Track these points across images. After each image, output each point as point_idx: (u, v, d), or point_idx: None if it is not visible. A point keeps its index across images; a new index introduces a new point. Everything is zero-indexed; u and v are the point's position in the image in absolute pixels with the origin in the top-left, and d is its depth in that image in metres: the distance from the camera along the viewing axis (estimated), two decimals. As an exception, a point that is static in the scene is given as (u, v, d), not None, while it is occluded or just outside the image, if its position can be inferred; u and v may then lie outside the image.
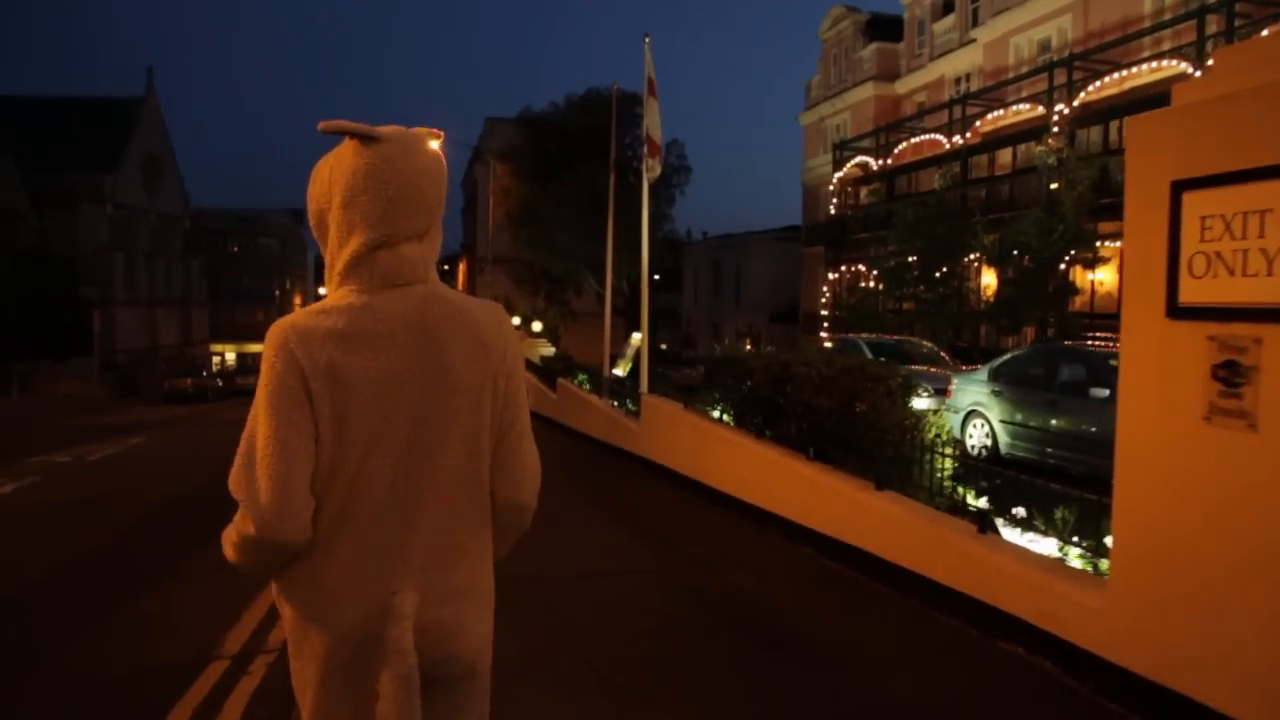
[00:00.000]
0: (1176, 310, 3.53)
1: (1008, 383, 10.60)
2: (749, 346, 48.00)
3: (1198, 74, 20.00)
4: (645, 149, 14.59)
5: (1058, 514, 5.00)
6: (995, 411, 10.55)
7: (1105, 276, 22.95)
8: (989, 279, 26.00)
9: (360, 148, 1.72)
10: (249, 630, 5.35)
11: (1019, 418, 10.20)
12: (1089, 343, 11.82)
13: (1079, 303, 22.20)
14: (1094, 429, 9.15)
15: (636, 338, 22.14)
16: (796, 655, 4.88)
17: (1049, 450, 9.76)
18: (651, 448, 11.40)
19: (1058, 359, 10.21)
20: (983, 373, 11.14)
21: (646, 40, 14.77)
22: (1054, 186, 21.23)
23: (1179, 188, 3.51)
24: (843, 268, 34.29)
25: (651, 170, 14.56)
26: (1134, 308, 3.76)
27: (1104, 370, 9.39)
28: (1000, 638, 4.72)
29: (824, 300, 35.36)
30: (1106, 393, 9.04)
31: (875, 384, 7.56)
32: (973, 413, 10.87)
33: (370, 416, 1.65)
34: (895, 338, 17.10)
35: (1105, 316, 22.70)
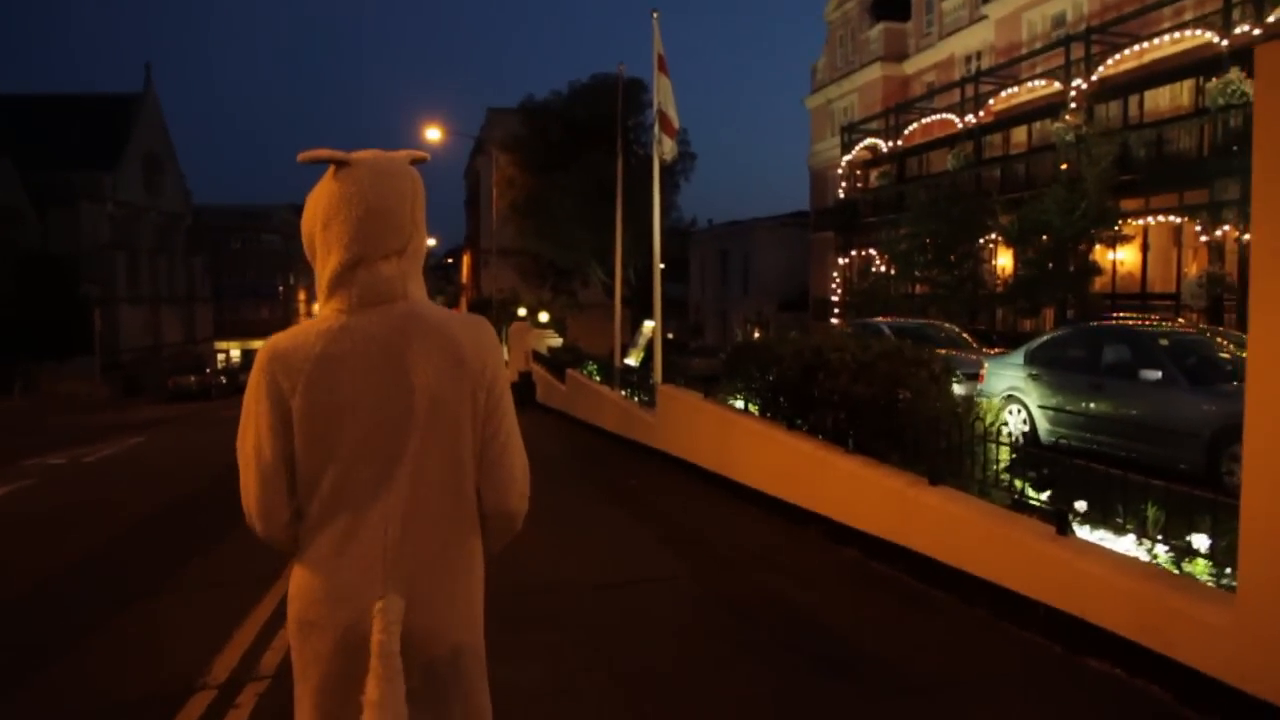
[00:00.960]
0: (1327, 274, 2.95)
1: (1046, 366, 10.01)
2: (758, 335, 47.52)
3: (1224, 43, 19.35)
4: (657, 126, 13.98)
5: (1149, 511, 4.42)
6: (1034, 396, 9.96)
7: (1126, 256, 22.33)
8: (1005, 260, 25.40)
9: (335, 173, 1.82)
10: (238, 654, 4.81)
11: (1060, 402, 9.60)
12: (1127, 322, 11.23)
13: (1099, 284, 21.58)
14: (1145, 413, 8.58)
15: (649, 326, 21.55)
16: (860, 678, 4.31)
17: (1092, 436, 9.18)
18: (670, 440, 10.84)
19: (1101, 340, 9.60)
20: (1018, 356, 10.55)
21: (655, 15, 14.17)
22: (1064, 166, 20.61)
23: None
24: (853, 252, 33.68)
25: (666, 150, 13.96)
26: (1270, 275, 3.19)
27: (1153, 351, 8.81)
28: (1091, 655, 4.15)
29: (834, 286, 34.76)
30: (1158, 374, 8.47)
31: (917, 369, 6.99)
32: (1009, 398, 10.28)
33: (349, 433, 1.75)
34: (918, 321, 16.49)
35: (1127, 297, 22.10)
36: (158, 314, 51.75)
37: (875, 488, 6.05)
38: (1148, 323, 10.62)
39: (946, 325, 16.09)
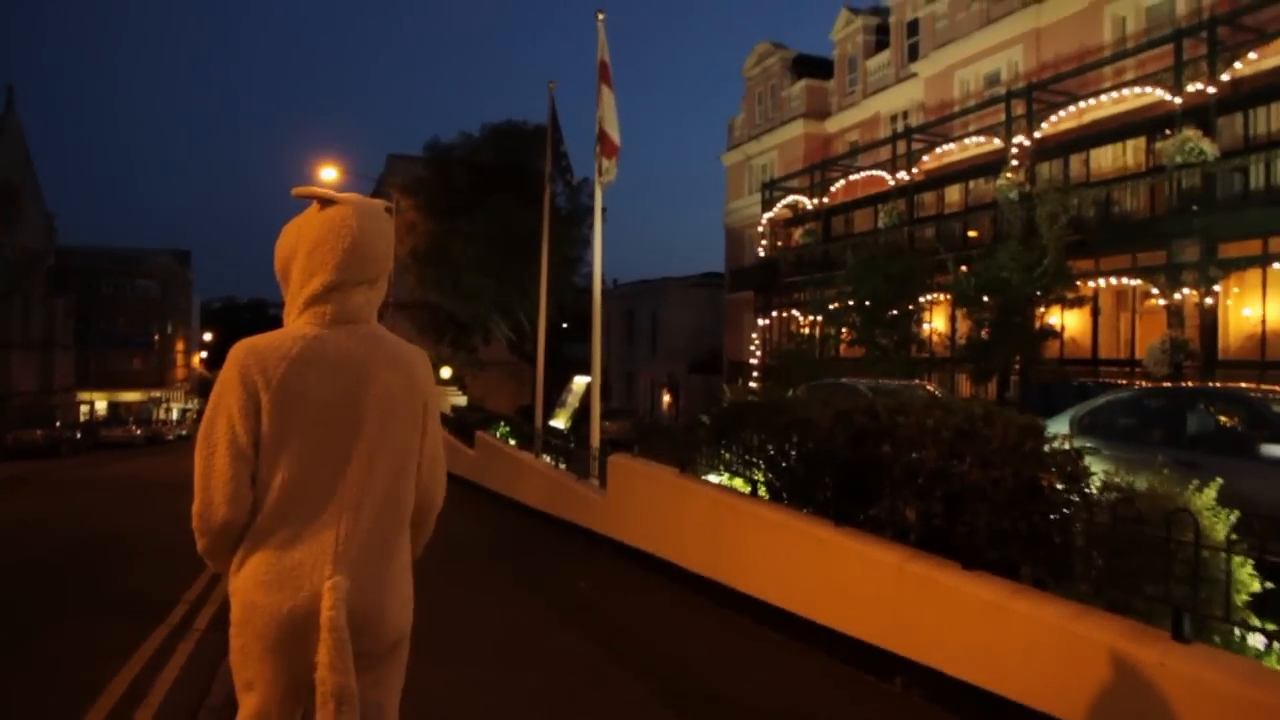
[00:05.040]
0: None
1: (1105, 438, 8.02)
2: (668, 398, 45.39)
3: (1178, 101, 18.49)
4: (598, 146, 11.82)
5: None
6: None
7: (1073, 320, 21.17)
8: (940, 321, 24.10)
9: (324, 208, 2.12)
10: None
11: (1133, 484, 7.56)
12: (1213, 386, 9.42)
13: (1047, 349, 20.31)
14: (1270, 500, 6.59)
15: (580, 383, 19.12)
16: None
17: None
18: (629, 528, 8.39)
19: (1184, 405, 7.66)
20: (1060, 423, 8.54)
21: (600, 17, 12.16)
22: (976, 230, 19.36)
23: None
24: (774, 313, 32.10)
25: (606, 173, 11.82)
26: None
27: (1273, 421, 6.88)
28: None
29: (753, 348, 33.07)
30: (1284, 451, 6.52)
31: (1037, 440, 4.82)
32: (1052, 477, 8.22)
33: (311, 429, 1.98)
34: (897, 382, 14.51)
35: (1076, 362, 20.86)
36: (8, 359, 46.41)
37: (1053, 634, 3.72)
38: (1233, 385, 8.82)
39: (928, 386, 14.18)
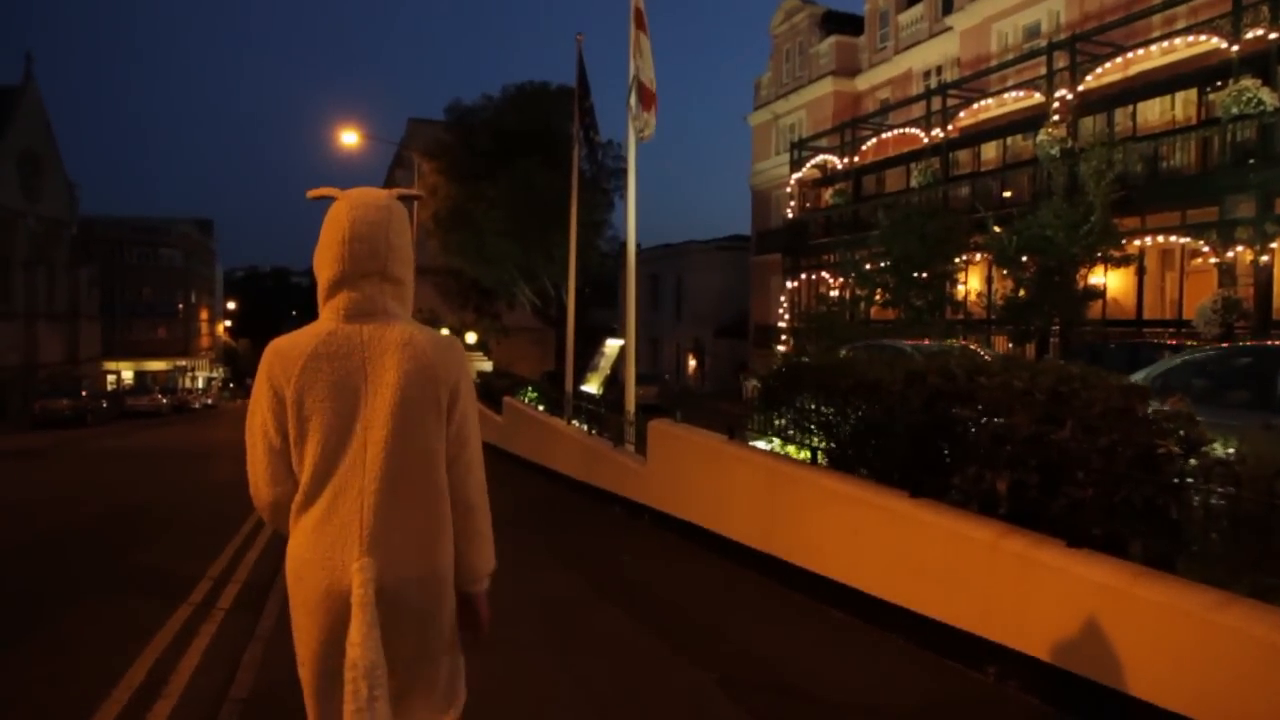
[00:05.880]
0: None
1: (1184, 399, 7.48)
2: (694, 363, 44.89)
3: (1234, 49, 17.62)
4: (633, 97, 11.23)
5: None
6: (1167, 441, 7.39)
7: (1115, 279, 20.46)
8: (975, 282, 23.44)
9: (329, 206, 2.19)
10: None
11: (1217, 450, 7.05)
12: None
13: (1089, 309, 19.59)
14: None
15: (613, 345, 18.66)
16: None
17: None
18: (672, 498, 7.96)
19: (1272, 365, 7.11)
20: (1131, 386, 8.01)
21: (635, -39, 11.49)
22: (1017, 184, 18.56)
23: None
24: (802, 275, 31.44)
25: (644, 125, 11.23)
26: None
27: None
28: None
29: (781, 311, 32.46)
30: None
31: (1140, 402, 4.33)
32: (1122, 442, 7.71)
33: (330, 418, 2.06)
34: (949, 344, 13.89)
35: (1120, 324, 20.18)
36: (34, 330, 46.50)
37: (1180, 623, 3.24)
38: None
39: (974, 348, 13.57)
